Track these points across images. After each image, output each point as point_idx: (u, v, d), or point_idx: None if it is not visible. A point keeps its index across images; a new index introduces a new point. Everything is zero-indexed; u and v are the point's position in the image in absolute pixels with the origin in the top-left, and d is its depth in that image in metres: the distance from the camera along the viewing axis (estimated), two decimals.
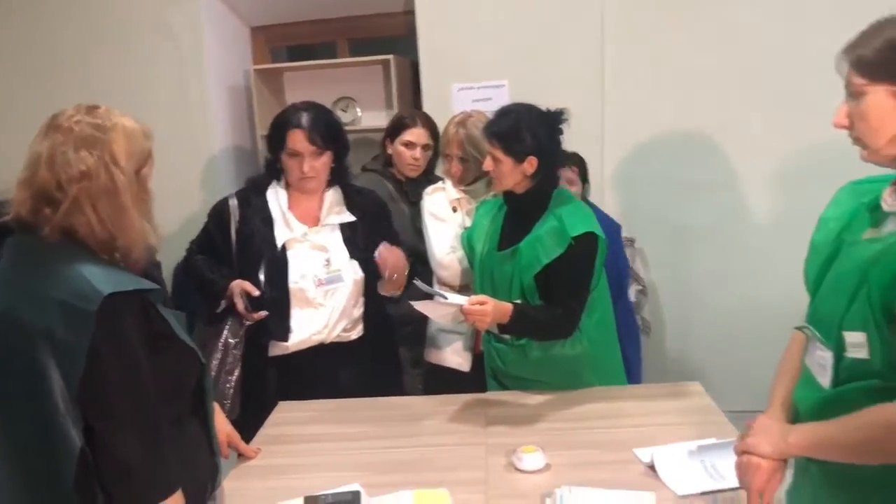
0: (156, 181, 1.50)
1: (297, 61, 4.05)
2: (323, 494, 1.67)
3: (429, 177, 2.86)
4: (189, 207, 3.34)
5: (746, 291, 3.32)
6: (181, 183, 3.37)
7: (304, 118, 2.28)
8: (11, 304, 1.33)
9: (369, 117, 3.89)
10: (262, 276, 2.28)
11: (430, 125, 2.83)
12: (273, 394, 2.30)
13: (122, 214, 1.39)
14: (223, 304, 2.29)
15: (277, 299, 2.26)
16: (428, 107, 3.31)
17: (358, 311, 2.36)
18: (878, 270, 1.19)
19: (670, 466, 1.71)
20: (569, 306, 2.11)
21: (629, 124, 3.32)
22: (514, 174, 2.13)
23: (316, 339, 2.30)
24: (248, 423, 2.11)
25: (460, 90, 3.36)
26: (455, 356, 2.51)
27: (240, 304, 2.23)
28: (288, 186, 2.38)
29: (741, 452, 1.38)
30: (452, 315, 2.06)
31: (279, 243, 2.31)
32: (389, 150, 2.85)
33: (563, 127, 2.14)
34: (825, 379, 1.32)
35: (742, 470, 1.38)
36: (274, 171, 2.39)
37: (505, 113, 2.14)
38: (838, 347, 1.27)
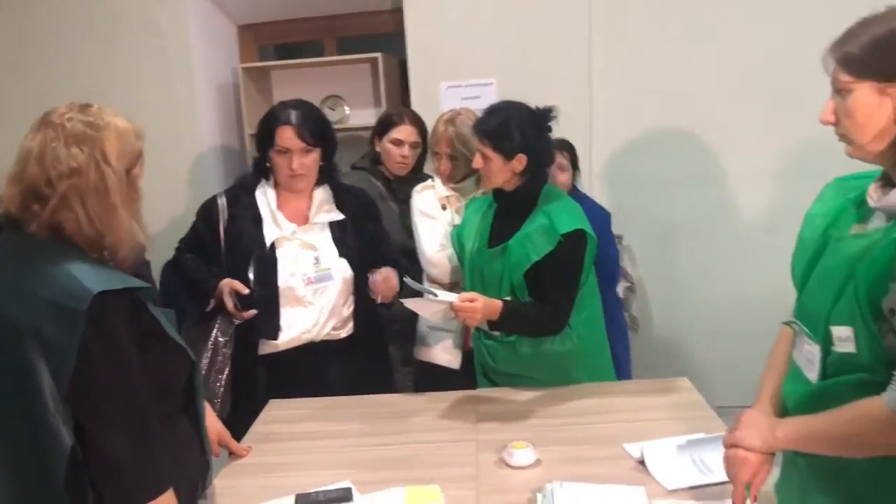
0: (143, 179, 1.50)
1: (285, 59, 4.04)
2: (314, 492, 1.67)
3: (417, 174, 2.86)
4: (177, 206, 3.32)
5: (734, 288, 3.35)
6: (169, 181, 3.35)
7: (294, 115, 2.28)
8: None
9: (357, 115, 3.88)
10: (251, 275, 2.28)
11: (418, 123, 2.83)
12: (263, 392, 2.30)
13: (111, 213, 1.38)
14: (212, 302, 2.28)
15: (267, 298, 2.26)
16: (416, 105, 3.30)
17: (348, 309, 2.36)
18: (864, 266, 1.20)
19: (660, 461, 1.72)
20: (558, 303, 2.12)
21: (617, 122, 3.33)
22: (503, 172, 2.13)
23: (306, 338, 2.30)
24: (239, 422, 2.10)
25: (448, 88, 3.36)
26: (445, 354, 2.52)
27: (229, 303, 2.23)
28: (277, 185, 2.38)
29: (729, 446, 1.40)
30: (443, 312, 2.07)
31: (268, 242, 2.30)
32: (378, 148, 2.85)
33: (552, 124, 2.15)
34: (813, 373, 1.33)
35: (730, 463, 1.39)
36: (262, 170, 2.39)
37: (494, 111, 2.15)
38: (825, 342, 1.28)
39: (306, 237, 2.34)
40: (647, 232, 3.34)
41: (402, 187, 2.80)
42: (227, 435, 1.91)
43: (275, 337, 2.27)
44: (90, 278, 1.32)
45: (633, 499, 1.58)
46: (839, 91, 1.25)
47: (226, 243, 2.34)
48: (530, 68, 3.28)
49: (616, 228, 3.08)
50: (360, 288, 2.37)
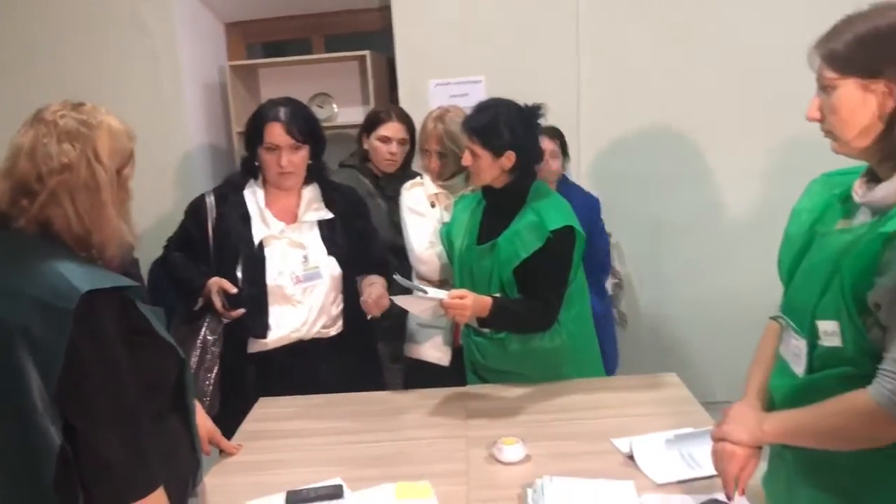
0: (132, 178, 1.50)
1: (273, 57, 4.03)
2: (305, 489, 1.67)
3: (405, 171, 2.87)
4: (165, 204, 3.31)
5: (721, 283, 3.37)
6: (157, 179, 3.34)
7: (282, 112, 2.28)
8: None
9: (345, 113, 3.87)
10: (239, 274, 2.27)
11: (405, 120, 2.84)
12: (252, 391, 2.30)
13: (100, 211, 1.38)
14: (201, 301, 2.28)
15: (255, 296, 2.26)
16: (404, 103, 3.30)
17: (336, 308, 2.36)
18: (849, 260, 1.21)
19: (648, 456, 1.73)
20: (547, 300, 2.13)
21: (605, 119, 3.34)
22: (492, 169, 2.14)
23: (295, 337, 2.29)
24: (228, 421, 2.10)
25: (437, 86, 3.36)
26: (435, 351, 2.52)
27: (217, 302, 2.22)
28: (265, 184, 2.37)
29: (717, 439, 1.41)
30: (432, 309, 2.08)
31: (256, 241, 2.30)
32: (365, 146, 2.85)
33: (541, 121, 2.16)
34: (799, 367, 1.35)
35: (718, 457, 1.40)
36: (251, 169, 2.38)
37: (483, 108, 2.15)
38: (812, 336, 1.30)
39: (295, 236, 2.34)
40: (635, 229, 3.36)
41: (390, 184, 2.81)
42: (217, 433, 1.90)
43: (263, 336, 2.27)
44: (78, 277, 1.31)
45: (622, 493, 1.59)
46: (824, 88, 1.26)
47: (214, 242, 2.33)
48: (518, 66, 3.29)
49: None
50: (349, 286, 2.37)
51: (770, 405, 1.44)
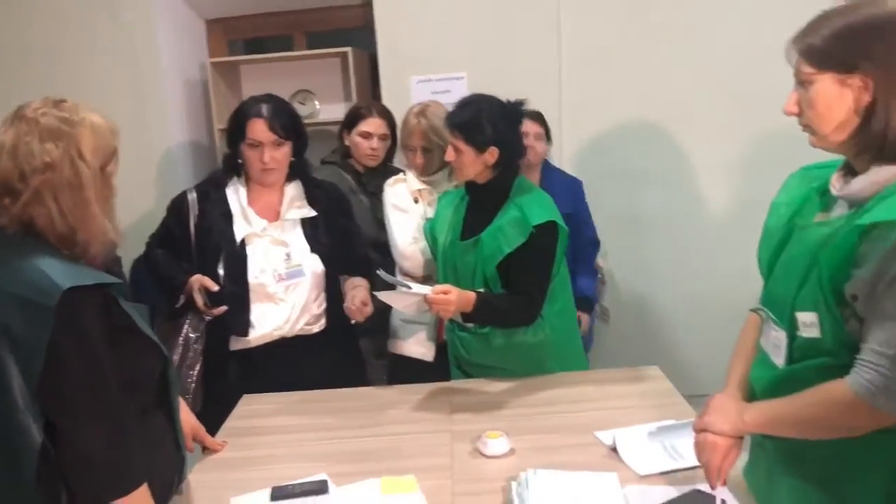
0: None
1: (254, 54, 4.01)
2: (290, 484, 1.67)
3: (387, 167, 2.87)
4: (146, 201, 3.29)
5: (702, 278, 3.40)
6: (138, 177, 3.31)
7: (265, 108, 2.27)
8: None
9: (327, 110, 3.86)
10: (221, 271, 2.26)
11: (386, 115, 2.84)
12: (235, 388, 2.29)
13: (84, 208, 1.37)
14: (182, 298, 2.27)
15: (237, 294, 2.25)
16: (387, 100, 3.30)
17: (319, 306, 2.35)
18: (827, 253, 1.23)
19: (631, 448, 1.74)
20: (531, 294, 2.14)
21: (586, 115, 3.36)
22: (475, 164, 2.14)
23: (277, 334, 2.29)
24: (211, 418, 2.09)
25: (419, 83, 3.36)
26: (418, 346, 2.53)
27: (198, 300, 2.22)
28: (248, 181, 2.37)
29: (699, 430, 1.42)
30: (416, 305, 2.08)
31: (238, 238, 2.29)
32: (347, 142, 2.85)
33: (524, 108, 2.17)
34: (779, 358, 1.36)
35: (700, 447, 1.42)
36: (233, 166, 2.37)
37: (466, 104, 2.16)
38: (791, 328, 1.31)
39: (277, 233, 2.33)
40: (617, 224, 3.38)
41: (372, 181, 2.81)
42: (201, 430, 1.90)
43: (245, 333, 2.27)
44: (59, 274, 1.31)
45: (605, 485, 1.60)
46: (802, 82, 1.28)
47: (196, 239, 2.32)
48: (500, 63, 3.30)
49: None
50: (332, 284, 2.36)
51: (751, 396, 1.45)
